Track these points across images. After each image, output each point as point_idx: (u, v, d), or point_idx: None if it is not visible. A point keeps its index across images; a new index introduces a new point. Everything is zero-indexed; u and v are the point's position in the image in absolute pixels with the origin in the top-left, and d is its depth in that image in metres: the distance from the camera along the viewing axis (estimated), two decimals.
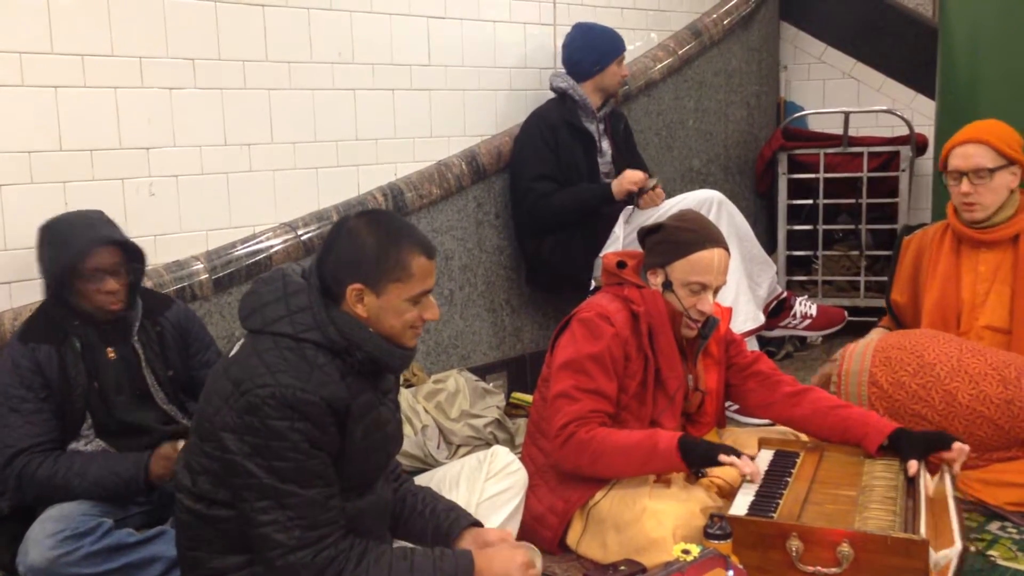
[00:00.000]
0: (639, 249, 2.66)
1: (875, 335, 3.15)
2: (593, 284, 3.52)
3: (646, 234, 2.54)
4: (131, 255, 2.34)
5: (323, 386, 1.77)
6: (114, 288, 2.29)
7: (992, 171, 2.85)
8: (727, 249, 2.47)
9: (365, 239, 1.83)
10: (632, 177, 3.51)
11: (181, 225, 2.90)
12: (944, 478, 2.27)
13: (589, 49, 3.66)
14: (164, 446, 2.29)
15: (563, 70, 3.73)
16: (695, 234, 2.43)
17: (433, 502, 2.08)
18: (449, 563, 1.84)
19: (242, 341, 1.89)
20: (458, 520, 2.02)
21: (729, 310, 2.79)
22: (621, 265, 2.54)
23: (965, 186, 2.88)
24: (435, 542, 1.97)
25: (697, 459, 2.30)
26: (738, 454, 2.27)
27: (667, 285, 2.46)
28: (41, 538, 2.11)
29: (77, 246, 2.25)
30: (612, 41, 3.69)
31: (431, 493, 2.13)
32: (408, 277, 1.82)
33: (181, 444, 2.24)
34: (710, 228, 2.47)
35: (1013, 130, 2.92)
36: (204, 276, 2.87)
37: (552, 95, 3.73)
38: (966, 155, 2.88)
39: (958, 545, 1.95)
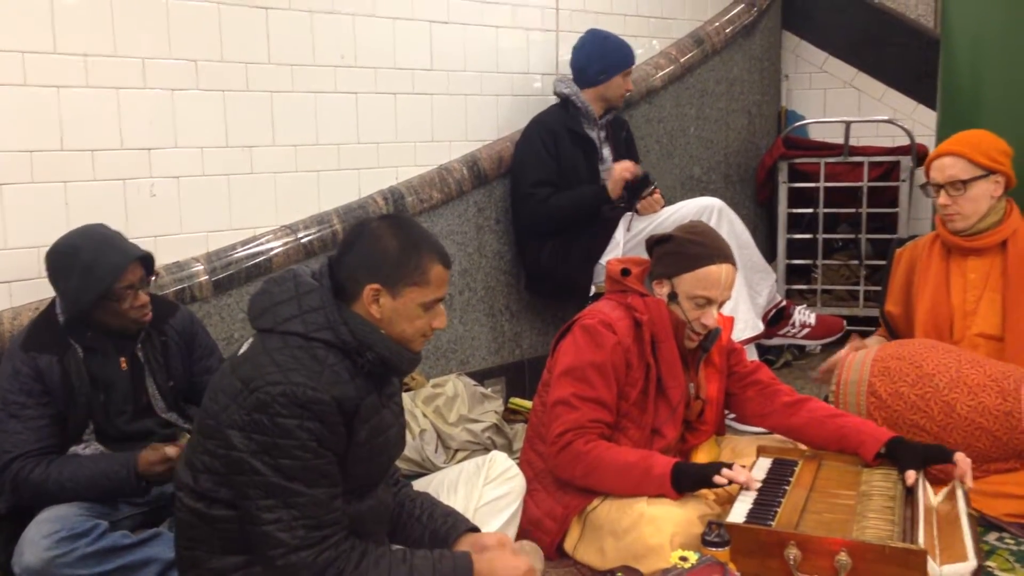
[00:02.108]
0: (639, 255, 2.66)
1: (873, 341, 3.15)
2: (593, 290, 3.53)
3: (655, 243, 2.53)
4: (147, 264, 2.35)
5: (334, 385, 1.78)
6: (146, 300, 2.32)
7: (966, 182, 2.87)
8: (735, 264, 2.46)
9: (388, 241, 1.85)
10: (622, 168, 3.50)
11: (182, 226, 2.90)
12: (956, 493, 2.27)
13: (597, 57, 3.65)
14: (144, 453, 2.27)
15: (569, 75, 3.73)
16: (704, 248, 2.43)
17: (431, 507, 2.09)
18: (448, 565, 1.84)
19: (250, 340, 1.90)
20: (456, 525, 2.02)
21: (731, 319, 2.78)
22: (625, 272, 2.53)
23: (943, 198, 2.92)
24: (432, 547, 1.97)
25: (689, 485, 2.29)
26: (730, 467, 2.26)
27: (672, 296, 2.46)
28: (36, 539, 2.11)
29: (105, 270, 2.24)
30: (621, 53, 3.68)
31: (429, 498, 2.13)
32: (426, 283, 1.85)
33: (166, 448, 2.25)
34: (720, 242, 2.47)
35: (997, 140, 2.93)
36: (204, 278, 2.87)
37: (555, 100, 3.74)
38: (941, 167, 2.92)
39: (972, 562, 1.94)
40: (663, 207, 3.60)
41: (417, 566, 1.82)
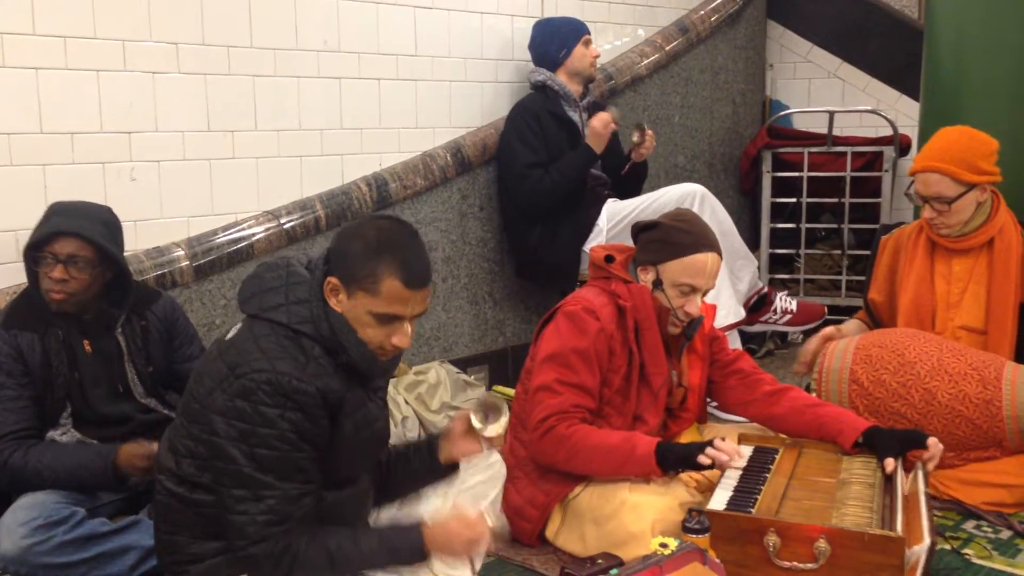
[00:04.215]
0: (623, 242, 2.66)
1: (851, 326, 3.17)
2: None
3: (640, 230, 2.53)
4: (106, 258, 2.28)
5: (318, 377, 1.77)
6: (60, 276, 2.23)
7: (952, 200, 2.83)
8: (720, 253, 2.46)
9: (360, 239, 1.81)
10: (600, 124, 3.50)
11: (162, 211, 2.88)
12: (917, 475, 2.28)
13: (550, 38, 3.68)
14: (128, 446, 2.25)
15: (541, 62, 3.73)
16: (691, 236, 2.42)
17: (401, 445, 2.13)
18: (398, 537, 1.84)
19: (239, 325, 1.88)
20: (432, 437, 2.09)
21: (713, 307, 2.79)
22: (609, 259, 2.53)
23: (928, 212, 2.89)
24: (425, 462, 2.04)
25: (674, 464, 2.30)
26: (712, 445, 2.26)
27: (657, 284, 2.45)
28: (13, 527, 2.09)
29: (44, 228, 2.24)
30: (572, 25, 3.71)
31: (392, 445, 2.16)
32: (375, 292, 1.78)
33: (153, 445, 2.23)
34: (706, 231, 2.47)
35: (982, 142, 2.86)
36: (185, 263, 2.85)
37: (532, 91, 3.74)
38: (926, 183, 2.86)
39: (927, 540, 1.96)
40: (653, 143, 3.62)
41: (365, 544, 1.81)
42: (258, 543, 1.74)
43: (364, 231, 1.83)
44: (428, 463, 2.07)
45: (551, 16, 3.84)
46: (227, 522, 1.77)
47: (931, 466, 2.33)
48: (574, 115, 3.68)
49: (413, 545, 1.82)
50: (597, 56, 3.73)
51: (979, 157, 2.83)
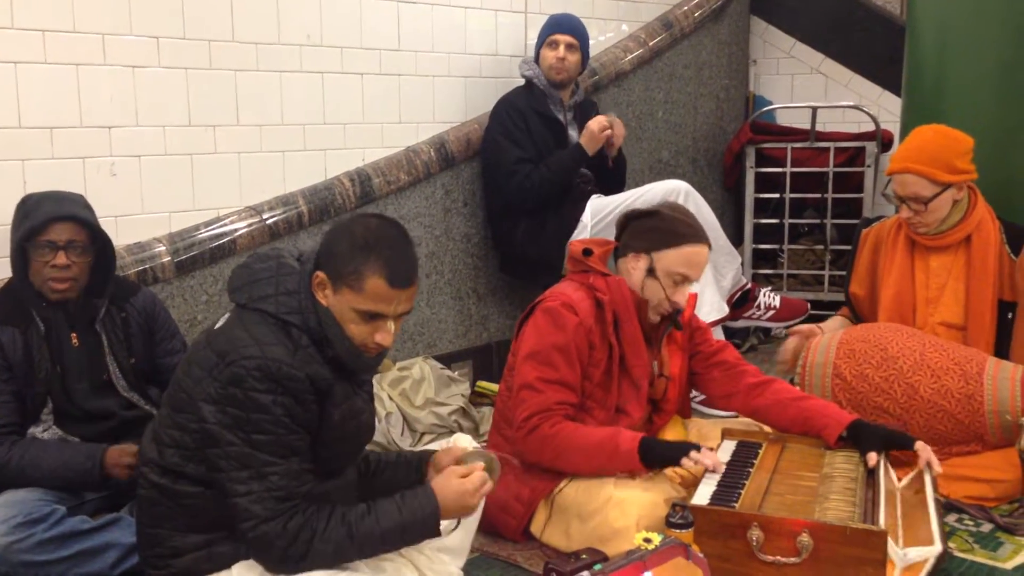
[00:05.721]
0: (606, 238, 2.66)
1: (836, 323, 3.17)
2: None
3: (635, 217, 2.52)
4: (97, 241, 2.29)
5: (307, 364, 1.79)
6: (63, 263, 2.23)
7: (929, 199, 2.84)
8: (710, 248, 2.49)
9: (348, 236, 1.83)
10: (598, 127, 3.49)
11: (143, 206, 2.86)
12: (924, 479, 2.29)
13: (540, 32, 3.66)
14: (115, 448, 2.24)
15: (532, 57, 3.71)
16: (690, 228, 2.44)
17: (390, 453, 2.13)
18: (411, 501, 1.84)
19: (227, 315, 1.89)
20: (423, 456, 2.08)
21: (694, 296, 2.79)
22: (587, 253, 2.53)
23: (905, 211, 2.91)
24: (406, 473, 2.05)
25: (657, 461, 2.31)
26: (698, 449, 2.27)
27: (650, 271, 2.45)
28: None
29: (38, 217, 2.22)
30: (548, 22, 3.66)
31: (387, 452, 2.17)
32: (359, 289, 1.81)
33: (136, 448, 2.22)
34: (700, 224, 2.49)
35: (957, 140, 2.86)
36: (166, 259, 2.83)
37: (522, 82, 3.72)
38: (903, 183, 2.87)
39: (938, 546, 1.96)
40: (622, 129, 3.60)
41: (382, 512, 1.81)
42: (268, 520, 1.74)
43: (353, 228, 1.85)
44: (412, 483, 2.05)
45: (555, 11, 3.78)
46: (231, 507, 1.76)
47: (938, 469, 2.32)
48: (559, 114, 3.66)
49: (427, 504, 1.83)
50: (558, 58, 3.57)
51: (954, 156, 2.84)
